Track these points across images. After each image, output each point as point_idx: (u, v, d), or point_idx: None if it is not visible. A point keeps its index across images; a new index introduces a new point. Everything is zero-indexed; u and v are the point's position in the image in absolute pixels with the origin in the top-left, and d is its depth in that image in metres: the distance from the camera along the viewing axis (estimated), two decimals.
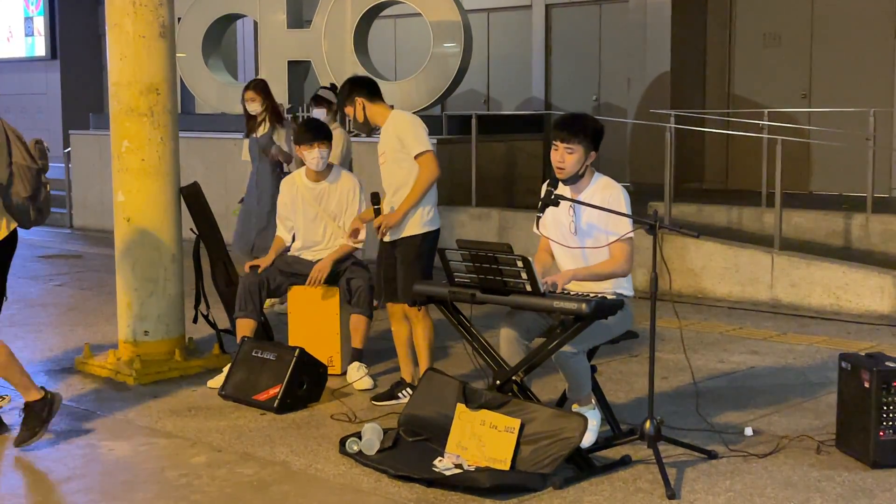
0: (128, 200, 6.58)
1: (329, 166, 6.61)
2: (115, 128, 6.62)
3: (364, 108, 5.88)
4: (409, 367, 5.98)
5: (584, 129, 4.90)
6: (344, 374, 6.40)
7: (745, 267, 8.84)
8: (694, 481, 4.65)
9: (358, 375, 6.27)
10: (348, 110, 5.96)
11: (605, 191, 4.94)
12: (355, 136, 11.10)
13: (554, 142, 4.93)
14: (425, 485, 4.59)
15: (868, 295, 8.22)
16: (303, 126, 6.66)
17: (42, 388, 5.26)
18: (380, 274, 5.94)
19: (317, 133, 6.49)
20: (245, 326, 6.42)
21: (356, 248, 6.52)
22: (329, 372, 6.18)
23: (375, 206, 5.90)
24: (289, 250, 6.69)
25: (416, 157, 5.73)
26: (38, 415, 5.19)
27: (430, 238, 5.82)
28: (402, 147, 5.76)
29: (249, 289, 6.43)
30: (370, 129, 6.02)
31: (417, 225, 5.78)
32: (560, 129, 4.91)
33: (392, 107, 6.06)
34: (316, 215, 6.58)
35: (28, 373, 5.26)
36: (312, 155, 6.47)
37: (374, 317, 6.47)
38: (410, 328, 5.94)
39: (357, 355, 6.36)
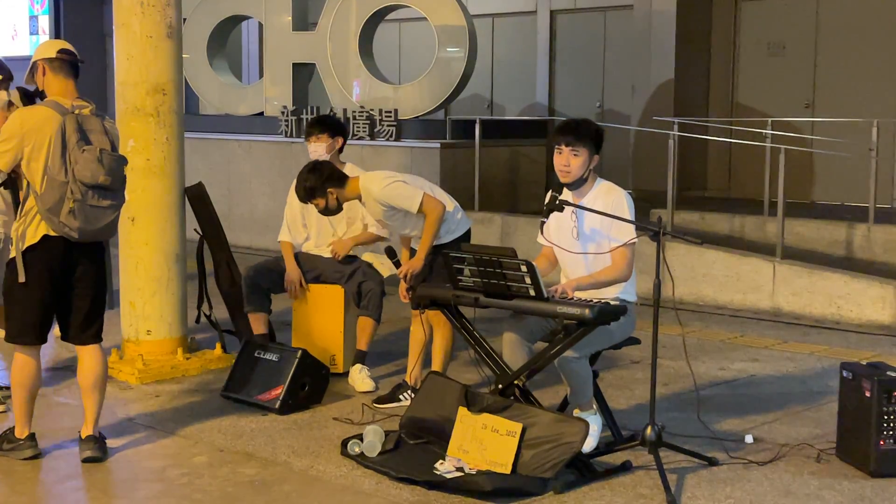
0: (132, 200, 6.55)
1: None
2: (120, 127, 6.61)
3: (337, 197, 5.88)
4: (416, 370, 5.99)
5: (588, 133, 4.93)
6: (346, 373, 6.43)
7: (746, 275, 8.85)
8: (694, 488, 4.66)
9: (360, 377, 6.29)
10: (318, 202, 5.90)
11: (609, 196, 4.96)
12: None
13: (558, 146, 4.95)
14: (426, 487, 4.60)
15: (869, 305, 8.23)
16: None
17: (32, 434, 5.07)
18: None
19: (312, 126, 6.51)
20: (258, 320, 6.49)
21: (381, 238, 6.46)
22: (331, 371, 6.21)
23: (394, 260, 5.90)
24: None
25: (418, 212, 5.77)
26: (6, 440, 5.08)
27: (457, 244, 5.82)
28: (398, 210, 5.79)
29: (252, 283, 6.50)
30: (338, 208, 5.98)
31: (446, 236, 5.86)
32: (565, 133, 4.93)
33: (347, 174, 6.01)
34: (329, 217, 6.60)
35: (31, 412, 5.08)
36: (311, 148, 6.49)
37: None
38: (428, 334, 5.96)
39: (360, 357, 6.38)
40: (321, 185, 5.84)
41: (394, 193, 5.75)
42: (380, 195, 5.76)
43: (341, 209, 6.02)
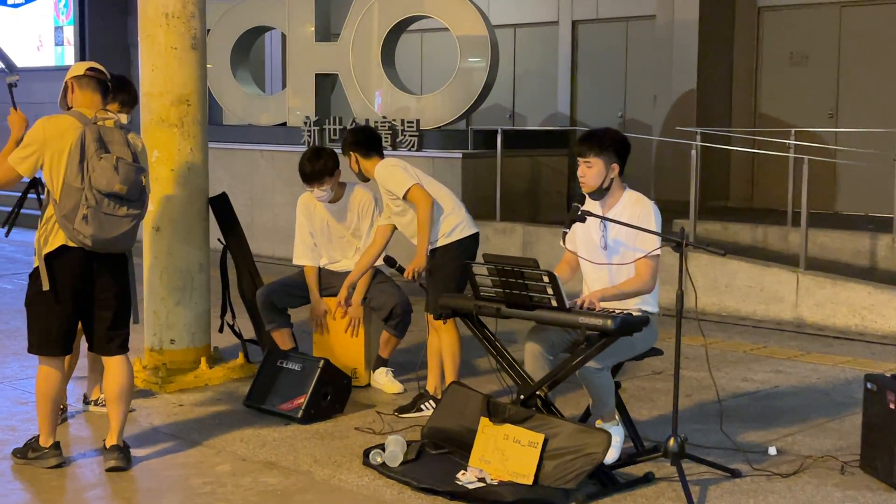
0: (157, 210, 6.63)
1: (341, 185, 6.58)
2: (145, 138, 6.68)
3: (357, 162, 6.08)
4: (436, 379, 6.01)
5: (600, 143, 4.96)
6: (368, 385, 6.48)
7: (769, 286, 8.82)
8: (717, 500, 4.64)
9: (388, 380, 6.42)
10: (348, 159, 6.13)
11: (636, 207, 4.97)
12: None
13: (577, 157, 5.02)
14: (448, 498, 4.61)
15: (893, 316, 8.17)
16: (300, 169, 6.42)
17: (57, 442, 5.11)
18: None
19: (310, 178, 6.36)
20: (283, 336, 6.50)
21: (372, 274, 6.44)
22: (353, 384, 6.22)
23: (396, 267, 5.92)
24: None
25: (405, 199, 5.82)
26: (31, 449, 5.12)
27: (451, 248, 5.86)
28: (392, 195, 5.90)
29: (267, 301, 6.51)
30: (366, 179, 6.18)
31: (439, 239, 5.89)
32: (578, 144, 5.04)
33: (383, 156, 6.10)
34: (337, 233, 6.61)
35: (56, 422, 5.14)
36: (317, 194, 6.44)
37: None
38: None
39: (383, 362, 6.50)
40: (349, 144, 6.06)
41: (387, 174, 5.89)
42: (377, 174, 5.95)
43: (363, 177, 6.15)
